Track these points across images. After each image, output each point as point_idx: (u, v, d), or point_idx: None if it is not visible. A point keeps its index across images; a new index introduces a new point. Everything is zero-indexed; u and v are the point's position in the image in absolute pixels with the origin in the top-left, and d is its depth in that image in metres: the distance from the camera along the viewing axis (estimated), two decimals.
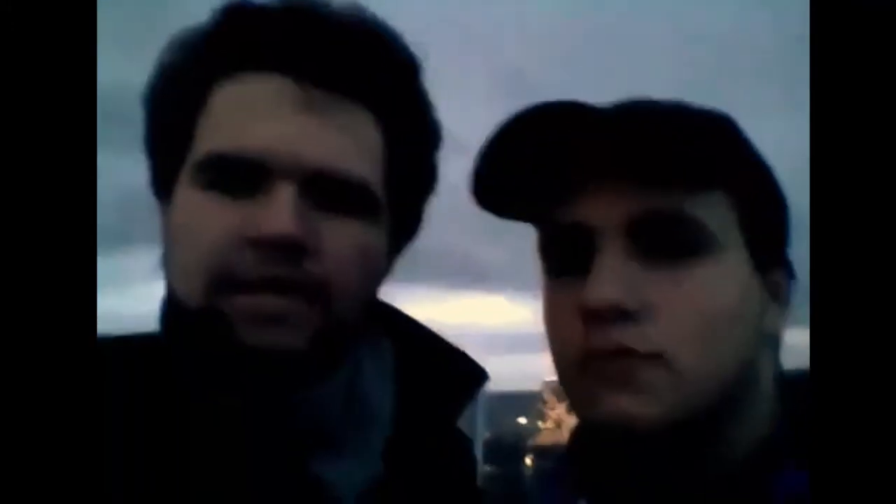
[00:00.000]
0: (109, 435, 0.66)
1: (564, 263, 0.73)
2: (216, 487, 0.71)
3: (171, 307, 0.78)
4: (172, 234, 0.77)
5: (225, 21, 0.78)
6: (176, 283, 0.77)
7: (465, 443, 0.96)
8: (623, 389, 0.67)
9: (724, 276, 0.70)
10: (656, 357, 0.67)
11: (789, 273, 0.77)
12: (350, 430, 0.81)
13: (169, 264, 0.79)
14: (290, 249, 0.71)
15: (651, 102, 0.73)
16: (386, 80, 0.80)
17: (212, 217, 0.73)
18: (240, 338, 0.71)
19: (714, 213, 0.70)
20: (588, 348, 0.69)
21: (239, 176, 0.73)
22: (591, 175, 0.71)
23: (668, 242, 0.69)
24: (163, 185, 0.81)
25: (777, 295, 0.75)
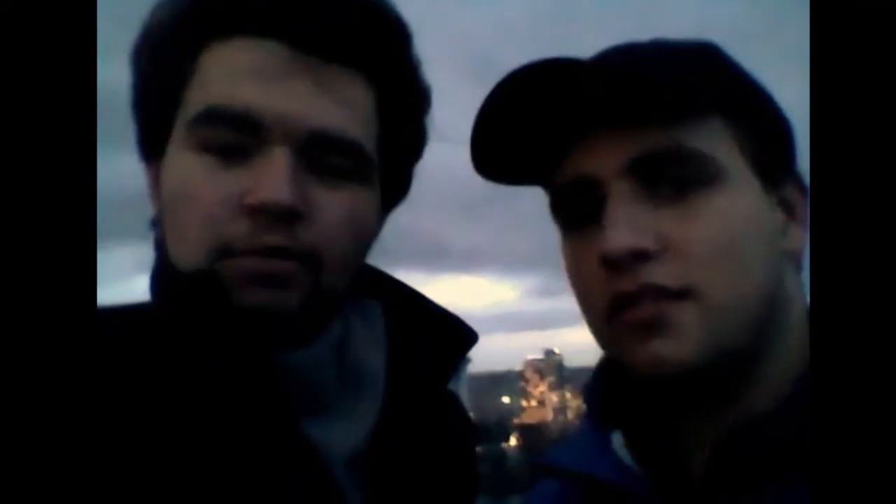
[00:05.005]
0: (102, 404, 0.67)
1: (578, 217, 0.74)
2: (207, 451, 0.71)
3: (164, 269, 0.79)
4: (166, 198, 0.78)
5: None
6: (171, 246, 0.77)
7: (457, 402, 0.98)
8: (655, 333, 0.68)
9: (736, 202, 0.70)
10: (685, 294, 0.68)
11: (802, 189, 0.77)
12: (341, 393, 0.82)
13: (162, 227, 0.79)
14: (285, 216, 0.72)
15: (632, 44, 0.74)
16: (377, 44, 0.80)
17: (207, 182, 0.74)
18: (233, 298, 0.72)
19: (713, 140, 0.70)
20: (616, 293, 0.69)
21: (232, 136, 0.74)
22: (587, 125, 0.71)
23: (673, 178, 0.69)
24: (151, 145, 0.81)
25: (793, 212, 0.75)
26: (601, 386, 0.82)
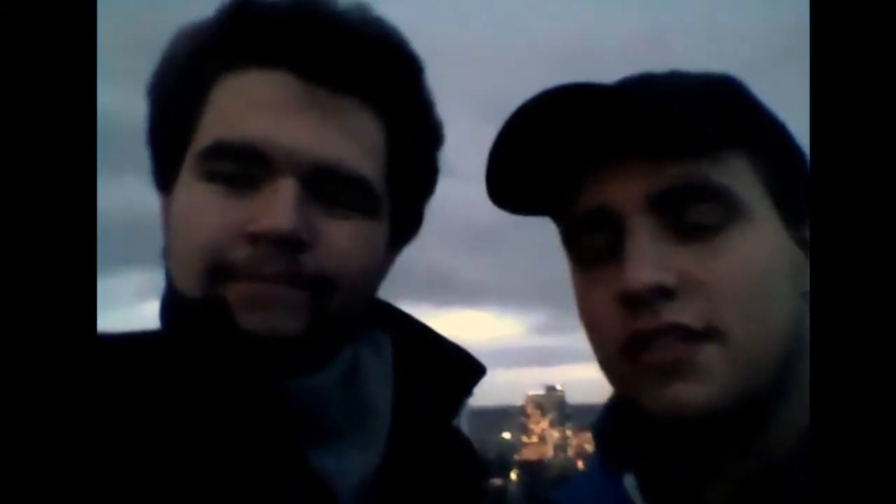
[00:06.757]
0: (110, 429, 0.67)
1: (594, 251, 0.72)
2: (215, 478, 0.71)
3: (171, 297, 0.79)
4: (173, 224, 0.79)
5: (231, 15, 0.79)
6: (175, 271, 0.78)
7: (463, 438, 0.97)
8: (678, 376, 0.66)
9: (760, 240, 0.68)
10: (709, 335, 0.66)
11: None
12: (349, 423, 0.82)
13: (169, 254, 0.80)
14: (289, 245, 0.73)
15: (650, 74, 0.73)
16: (389, 79, 0.81)
17: (212, 208, 0.74)
18: (237, 323, 0.72)
19: (737, 176, 0.68)
20: (634, 331, 0.67)
21: (240, 167, 0.75)
22: (609, 155, 0.70)
23: (697, 213, 0.67)
24: (164, 176, 0.82)
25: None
26: (612, 426, 0.80)
